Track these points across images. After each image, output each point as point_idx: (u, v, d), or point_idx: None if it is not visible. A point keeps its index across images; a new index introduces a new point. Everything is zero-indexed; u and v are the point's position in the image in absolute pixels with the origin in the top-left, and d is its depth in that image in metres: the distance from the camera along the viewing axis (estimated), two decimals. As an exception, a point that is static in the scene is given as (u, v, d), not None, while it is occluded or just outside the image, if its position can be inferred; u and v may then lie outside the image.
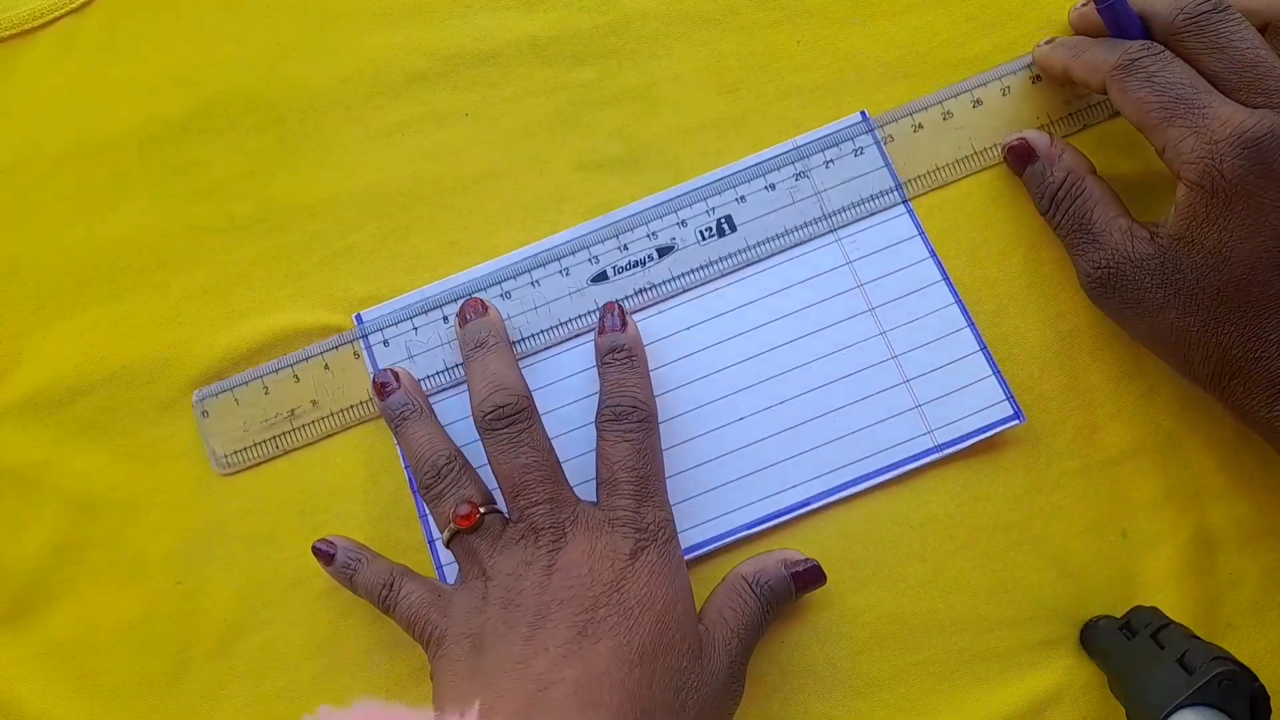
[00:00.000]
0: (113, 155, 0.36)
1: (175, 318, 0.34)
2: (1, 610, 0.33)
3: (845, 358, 0.32)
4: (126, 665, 0.32)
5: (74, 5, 0.37)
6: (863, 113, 0.34)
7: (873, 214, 0.33)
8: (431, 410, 0.32)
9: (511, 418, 0.29)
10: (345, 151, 0.36)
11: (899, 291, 0.33)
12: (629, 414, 0.29)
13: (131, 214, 0.35)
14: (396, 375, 0.32)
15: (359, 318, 0.34)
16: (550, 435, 0.30)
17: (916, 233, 0.33)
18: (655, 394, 0.32)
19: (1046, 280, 0.33)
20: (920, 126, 0.34)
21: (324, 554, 0.31)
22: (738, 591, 0.29)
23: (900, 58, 0.35)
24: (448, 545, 0.29)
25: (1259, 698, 0.25)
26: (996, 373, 0.32)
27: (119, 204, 0.35)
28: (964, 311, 0.32)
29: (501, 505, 0.30)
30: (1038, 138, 0.32)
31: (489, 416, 0.29)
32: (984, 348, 0.32)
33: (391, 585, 0.29)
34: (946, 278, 0.33)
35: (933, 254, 0.33)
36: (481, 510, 0.29)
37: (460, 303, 0.33)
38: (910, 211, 0.34)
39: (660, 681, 0.26)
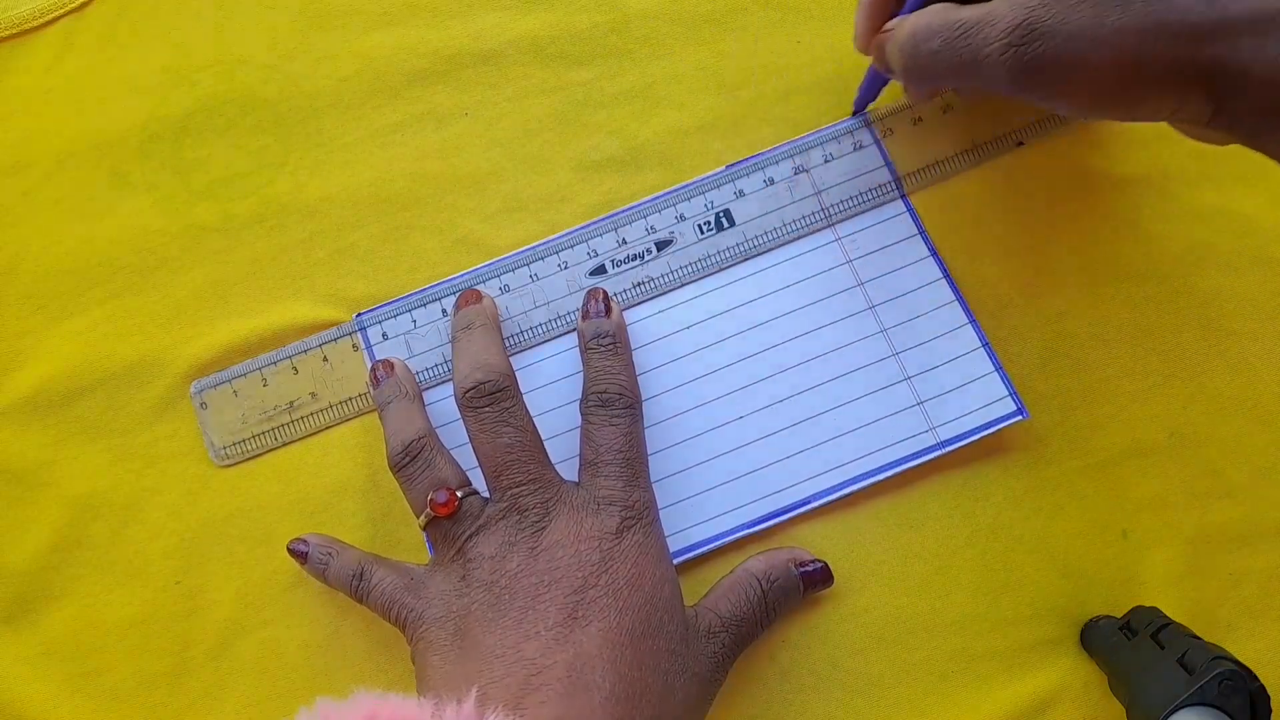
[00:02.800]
0: (113, 155, 0.36)
1: (175, 317, 0.34)
2: (1, 610, 0.33)
3: (845, 355, 0.32)
4: (126, 665, 0.32)
5: (73, 5, 0.37)
6: (863, 112, 0.34)
7: (872, 208, 0.33)
8: (418, 396, 0.32)
9: (492, 395, 0.28)
10: (345, 151, 0.36)
11: (899, 289, 0.33)
12: (615, 399, 0.29)
13: (131, 214, 0.35)
14: (392, 365, 0.32)
15: (359, 317, 0.34)
16: (547, 429, 0.30)
17: (916, 231, 0.33)
18: (656, 393, 0.32)
19: (1047, 279, 0.33)
20: (920, 120, 0.34)
21: (299, 553, 0.31)
22: (744, 586, 0.29)
23: (900, 57, 0.35)
24: (423, 529, 0.29)
25: (1259, 698, 0.25)
26: (999, 369, 0.32)
27: (119, 204, 0.35)
28: (965, 308, 0.32)
29: (477, 484, 0.29)
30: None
31: (469, 394, 0.29)
32: (986, 344, 0.32)
33: (361, 574, 0.29)
34: (947, 275, 0.33)
35: (933, 252, 0.33)
36: (459, 495, 0.28)
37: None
38: (910, 210, 0.33)
39: (650, 663, 0.26)
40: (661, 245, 0.33)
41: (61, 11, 0.37)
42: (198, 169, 0.36)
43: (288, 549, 0.31)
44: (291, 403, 0.33)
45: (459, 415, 0.29)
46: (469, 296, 0.32)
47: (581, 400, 0.30)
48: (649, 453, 0.31)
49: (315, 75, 0.36)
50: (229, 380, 0.33)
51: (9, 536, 0.33)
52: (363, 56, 0.36)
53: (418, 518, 0.29)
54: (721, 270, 0.33)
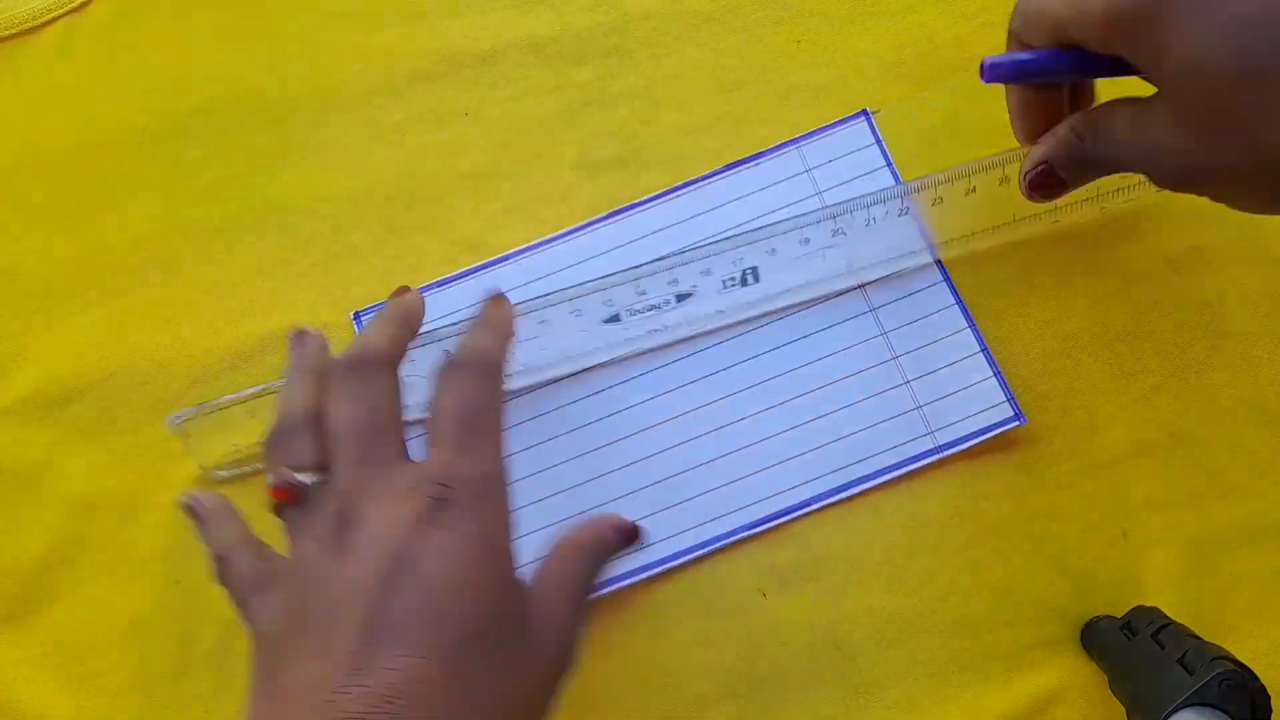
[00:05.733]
0: (112, 155, 0.36)
1: (175, 318, 0.34)
2: (1, 610, 0.33)
3: (846, 358, 0.32)
4: (126, 665, 0.32)
5: (73, 5, 0.37)
6: (864, 111, 0.34)
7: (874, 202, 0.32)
8: (317, 368, 0.27)
9: (358, 366, 0.25)
10: (345, 151, 0.36)
11: (901, 292, 0.33)
12: (465, 360, 0.25)
13: (131, 214, 0.35)
14: (304, 334, 0.28)
15: (357, 317, 0.34)
16: (546, 465, 0.29)
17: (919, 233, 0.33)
18: (656, 394, 0.32)
19: (1047, 281, 0.33)
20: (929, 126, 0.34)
21: (191, 511, 0.27)
22: (562, 556, 0.25)
23: (901, 58, 0.35)
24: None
25: (1259, 698, 0.25)
26: (998, 374, 0.32)
27: (119, 204, 0.35)
28: (965, 313, 0.32)
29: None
30: (1044, 151, 0.27)
31: (339, 365, 0.25)
32: (985, 349, 0.32)
33: (223, 559, 0.25)
34: (948, 278, 0.33)
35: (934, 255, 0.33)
36: (296, 479, 0.24)
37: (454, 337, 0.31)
38: (913, 212, 0.33)
39: (477, 679, 0.21)
40: (682, 297, 0.32)
41: (61, 11, 0.37)
42: (197, 169, 0.36)
43: (180, 502, 0.27)
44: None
45: None
46: (400, 290, 0.29)
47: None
48: (651, 454, 0.31)
49: (315, 75, 0.36)
50: (210, 412, 0.32)
51: (9, 536, 0.33)
52: (363, 56, 0.36)
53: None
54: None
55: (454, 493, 0.23)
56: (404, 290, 0.28)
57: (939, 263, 0.33)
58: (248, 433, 0.32)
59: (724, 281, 0.32)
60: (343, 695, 0.20)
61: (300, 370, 0.27)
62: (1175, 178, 0.24)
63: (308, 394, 0.26)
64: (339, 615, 0.21)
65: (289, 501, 0.24)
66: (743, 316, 0.33)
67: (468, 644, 0.21)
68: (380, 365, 0.25)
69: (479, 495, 0.23)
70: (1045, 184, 0.27)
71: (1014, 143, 0.30)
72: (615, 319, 0.32)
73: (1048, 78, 0.27)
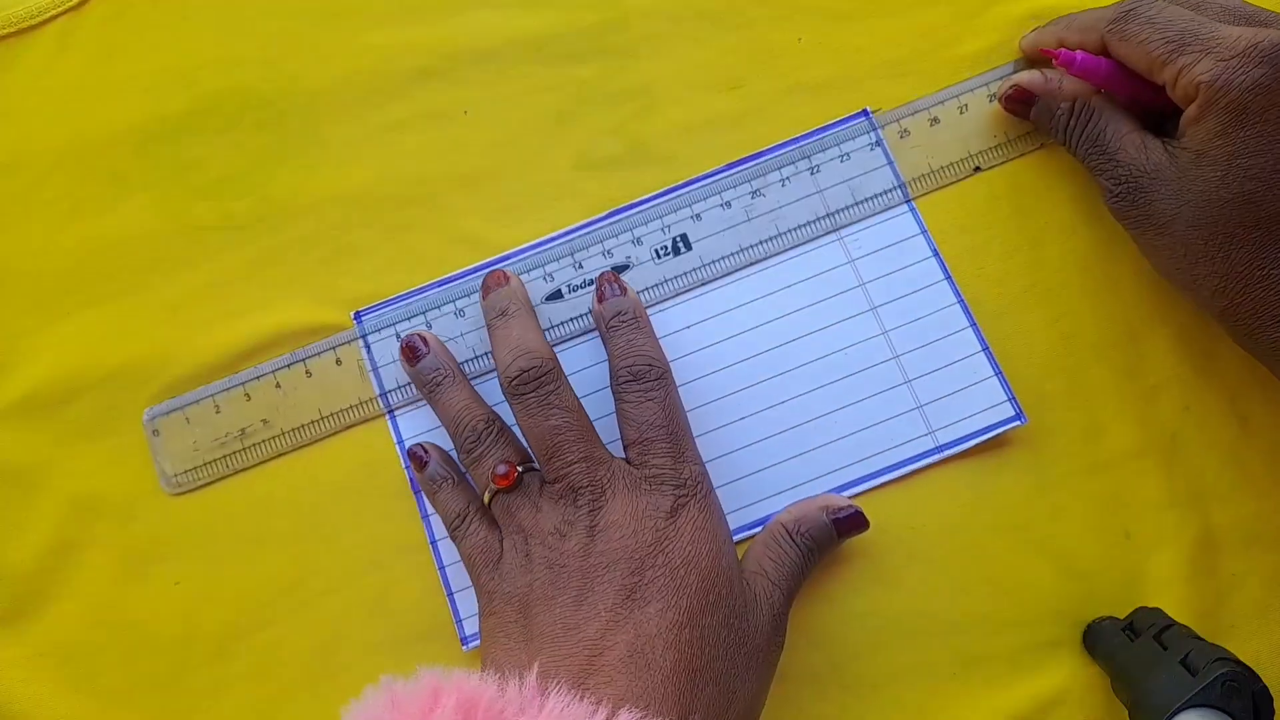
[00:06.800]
0: (111, 154, 0.36)
1: (174, 317, 0.34)
2: (1, 610, 0.33)
3: (846, 357, 0.32)
4: (126, 665, 0.32)
5: (71, 3, 0.37)
6: (865, 110, 0.34)
7: (875, 213, 0.33)
8: (464, 375, 0.32)
9: (538, 380, 0.29)
10: (344, 149, 0.35)
11: (901, 291, 0.33)
12: (646, 372, 0.29)
13: (130, 213, 0.35)
14: (425, 339, 0.32)
15: (357, 316, 0.34)
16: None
17: (919, 231, 0.33)
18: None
19: (1049, 280, 0.33)
20: (936, 120, 0.34)
21: (418, 458, 0.31)
22: (776, 541, 0.29)
23: (902, 56, 0.35)
24: (488, 506, 0.29)
25: (1262, 699, 0.25)
26: (998, 373, 0.32)
27: (117, 203, 0.35)
28: (966, 311, 0.32)
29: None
30: (1030, 78, 0.32)
31: (515, 382, 0.29)
32: (986, 348, 0.32)
33: (465, 518, 0.30)
34: (949, 277, 0.33)
35: (935, 253, 0.33)
36: (519, 469, 0.29)
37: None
38: (913, 210, 0.33)
39: (710, 639, 0.26)
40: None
41: (59, 10, 0.37)
42: (196, 168, 0.36)
43: (410, 450, 0.32)
44: (243, 430, 0.33)
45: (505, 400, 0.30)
46: (498, 278, 0.32)
47: (611, 380, 0.30)
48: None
49: (314, 73, 0.36)
50: (181, 408, 0.33)
51: (9, 536, 0.33)
52: (362, 54, 0.36)
53: (482, 495, 0.29)
54: (726, 274, 0.33)
55: (685, 491, 0.28)
56: (503, 276, 0.32)
57: (940, 260, 0.33)
58: (212, 428, 0.33)
59: (656, 251, 0.33)
60: (610, 633, 0.26)
61: (453, 378, 0.31)
62: (1126, 218, 0.30)
63: (479, 399, 0.31)
64: (595, 580, 0.27)
65: (509, 490, 0.29)
66: (729, 270, 0.33)
67: (706, 610, 0.26)
68: (552, 370, 0.29)
69: (704, 493, 0.28)
70: (1015, 108, 0.33)
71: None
72: (557, 295, 0.33)
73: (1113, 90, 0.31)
